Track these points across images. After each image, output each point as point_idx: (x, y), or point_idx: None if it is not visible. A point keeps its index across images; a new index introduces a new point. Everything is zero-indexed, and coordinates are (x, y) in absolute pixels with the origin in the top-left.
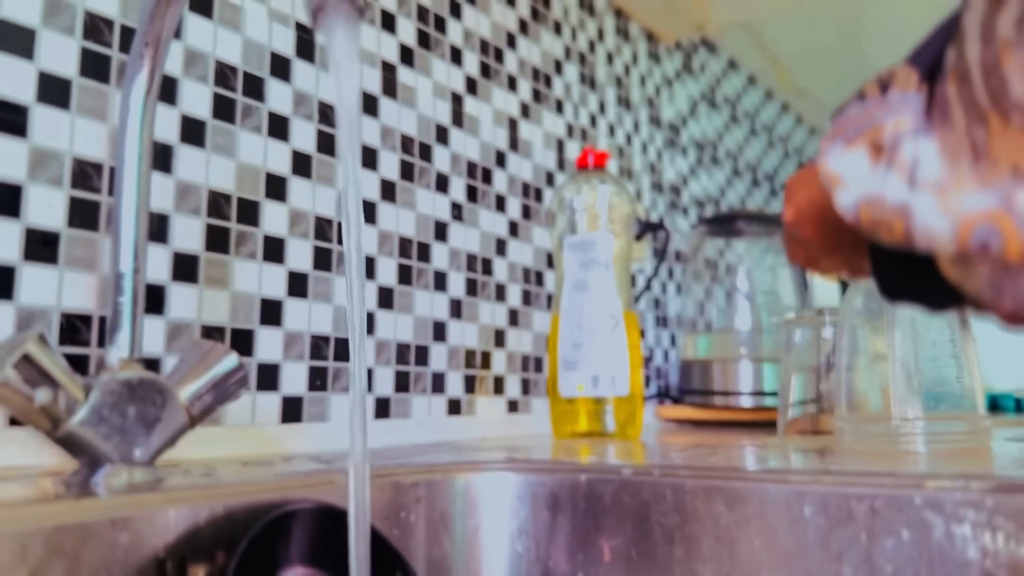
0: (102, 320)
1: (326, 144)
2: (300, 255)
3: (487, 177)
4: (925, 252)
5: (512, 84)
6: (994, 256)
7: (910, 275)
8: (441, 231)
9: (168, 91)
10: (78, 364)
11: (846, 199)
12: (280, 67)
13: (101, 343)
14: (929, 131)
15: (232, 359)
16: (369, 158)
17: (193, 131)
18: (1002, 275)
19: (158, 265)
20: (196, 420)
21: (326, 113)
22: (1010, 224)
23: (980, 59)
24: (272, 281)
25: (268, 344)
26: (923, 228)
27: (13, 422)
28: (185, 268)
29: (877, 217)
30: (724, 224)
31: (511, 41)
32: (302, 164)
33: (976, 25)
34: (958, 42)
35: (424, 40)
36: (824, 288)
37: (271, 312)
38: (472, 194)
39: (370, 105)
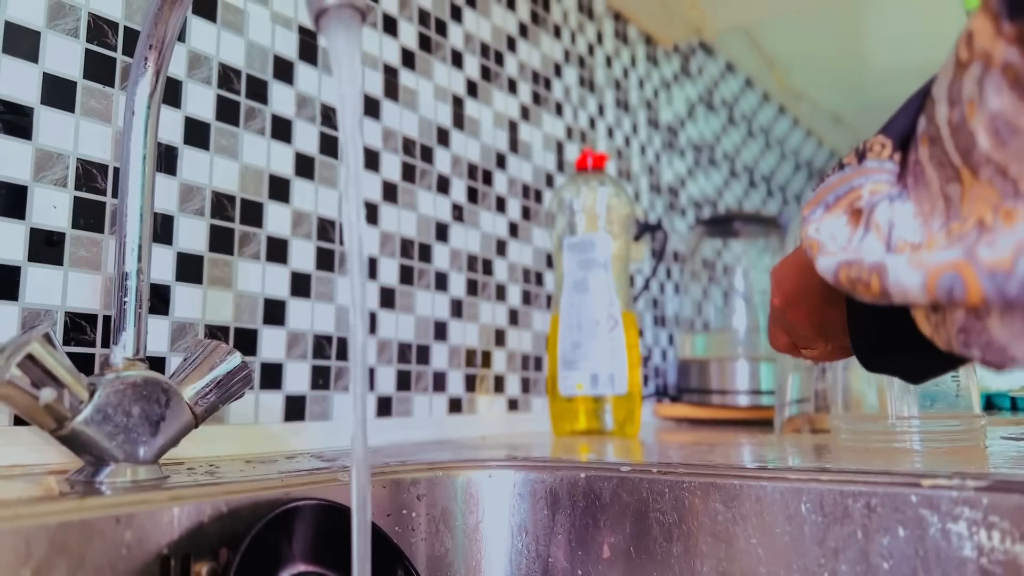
0: (107, 320)
1: (328, 146)
2: (303, 255)
3: (487, 179)
4: (901, 304)
5: (512, 87)
6: (959, 302)
7: (889, 345)
8: (442, 232)
9: (172, 93)
10: (83, 364)
11: (826, 263)
12: (283, 70)
13: (106, 343)
14: (904, 194)
15: (236, 358)
16: (371, 160)
17: (197, 133)
18: (971, 325)
19: (162, 265)
20: (200, 419)
21: (328, 115)
22: (971, 271)
23: (948, 120)
24: (275, 281)
25: (271, 343)
26: (896, 283)
27: (18, 421)
28: (189, 268)
29: (855, 276)
30: (721, 225)
31: (511, 44)
32: (305, 166)
33: (943, 90)
34: (928, 109)
35: (425, 43)
36: None
37: (274, 312)
38: (473, 195)
39: (372, 107)
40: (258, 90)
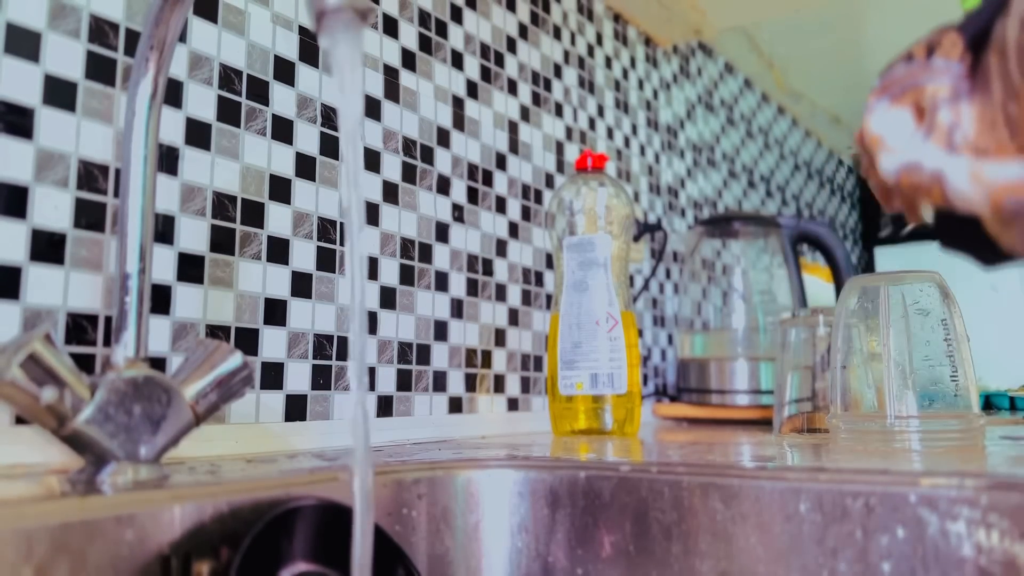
0: (108, 320)
1: (329, 146)
2: (304, 256)
3: (488, 179)
4: (966, 212)
5: (512, 88)
6: None
7: (963, 226)
8: (442, 232)
9: (173, 94)
10: (84, 363)
11: (888, 164)
12: (284, 70)
13: (107, 343)
14: (971, 96)
15: (237, 358)
16: (372, 160)
17: (198, 133)
18: None
19: (164, 265)
20: (201, 418)
21: (329, 116)
22: None
23: (1017, 41)
24: (276, 281)
25: (272, 343)
26: (958, 193)
27: (19, 420)
28: (190, 268)
29: (916, 182)
30: (721, 225)
31: (511, 45)
32: (306, 166)
33: (1020, 8)
34: (1004, 18)
35: (425, 44)
36: (818, 288)
37: (275, 311)
38: (473, 196)
39: (373, 108)
40: (259, 91)
